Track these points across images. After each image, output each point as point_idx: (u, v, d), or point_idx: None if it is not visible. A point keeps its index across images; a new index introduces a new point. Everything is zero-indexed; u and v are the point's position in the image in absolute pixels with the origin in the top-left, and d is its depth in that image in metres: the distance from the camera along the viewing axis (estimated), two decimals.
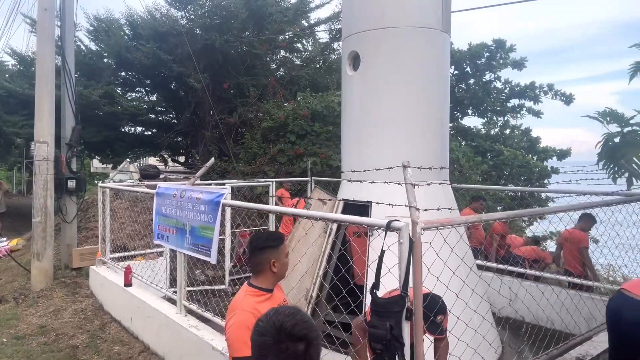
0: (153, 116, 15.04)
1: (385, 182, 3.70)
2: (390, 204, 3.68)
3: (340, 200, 5.09)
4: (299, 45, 15.42)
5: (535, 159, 14.68)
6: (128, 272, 5.95)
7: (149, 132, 15.64)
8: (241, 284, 8.04)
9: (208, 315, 4.52)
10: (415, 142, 4.72)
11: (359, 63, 4.92)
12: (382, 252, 2.65)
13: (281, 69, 14.85)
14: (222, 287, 7.89)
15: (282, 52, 14.82)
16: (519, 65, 15.44)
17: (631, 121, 5.04)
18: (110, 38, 12.65)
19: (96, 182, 12.99)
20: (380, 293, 2.71)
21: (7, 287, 7.76)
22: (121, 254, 7.29)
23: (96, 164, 22.64)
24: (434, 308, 2.87)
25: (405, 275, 2.55)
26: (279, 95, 12.97)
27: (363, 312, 3.79)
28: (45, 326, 5.99)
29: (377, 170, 4.04)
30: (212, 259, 4.37)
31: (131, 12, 13.01)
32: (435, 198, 4.52)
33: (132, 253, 7.43)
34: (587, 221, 6.44)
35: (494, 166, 13.25)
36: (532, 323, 4.74)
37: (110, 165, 19.14)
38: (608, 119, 5.28)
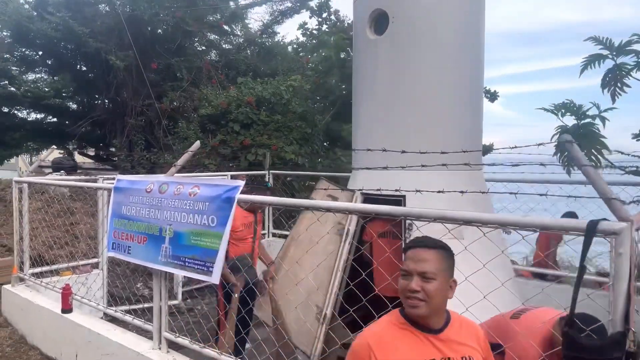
0: (59, 100, 12.77)
1: (445, 165, 2.83)
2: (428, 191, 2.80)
3: (358, 191, 4.12)
4: (228, 28, 14.02)
5: None
6: (67, 294, 4.44)
7: (54, 120, 13.26)
8: (194, 297, 6.66)
9: (210, 352, 3.29)
10: (456, 120, 3.92)
11: (386, 25, 3.99)
12: (583, 267, 1.78)
13: (212, 51, 13.39)
14: (175, 302, 6.53)
15: (212, 35, 13.37)
16: None
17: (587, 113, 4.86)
18: (6, 5, 10.36)
19: None
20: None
21: None
22: (43, 269, 5.67)
23: None
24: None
25: (627, 298, 1.71)
26: (215, 80, 11.56)
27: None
28: None
29: (441, 153, 3.17)
30: (214, 279, 3.16)
31: None
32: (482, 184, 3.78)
33: (59, 266, 5.81)
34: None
35: None
36: None
37: None
38: (563, 111, 5.06)
